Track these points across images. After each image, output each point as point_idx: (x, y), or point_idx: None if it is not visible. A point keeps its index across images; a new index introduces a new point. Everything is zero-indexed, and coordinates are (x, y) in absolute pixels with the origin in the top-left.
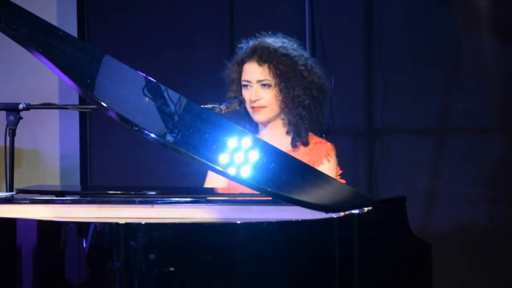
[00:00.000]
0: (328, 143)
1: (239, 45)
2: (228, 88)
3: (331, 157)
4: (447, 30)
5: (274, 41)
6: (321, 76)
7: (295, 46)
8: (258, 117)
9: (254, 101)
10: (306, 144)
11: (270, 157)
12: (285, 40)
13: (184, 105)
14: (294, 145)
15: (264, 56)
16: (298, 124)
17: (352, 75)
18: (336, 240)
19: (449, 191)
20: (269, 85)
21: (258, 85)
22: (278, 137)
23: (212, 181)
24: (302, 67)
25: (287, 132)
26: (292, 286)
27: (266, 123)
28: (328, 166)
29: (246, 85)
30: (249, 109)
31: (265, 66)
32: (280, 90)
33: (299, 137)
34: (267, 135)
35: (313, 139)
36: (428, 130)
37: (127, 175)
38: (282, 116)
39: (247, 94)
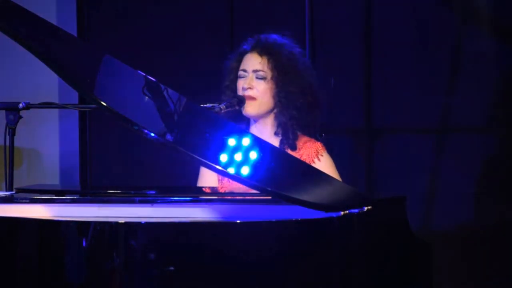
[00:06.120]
0: (318, 142)
1: (243, 41)
2: (226, 78)
3: (322, 155)
4: (447, 30)
5: (279, 38)
6: (317, 85)
7: (298, 48)
8: (247, 109)
9: (246, 89)
10: (293, 148)
11: (270, 156)
12: (290, 40)
13: (184, 105)
14: (282, 147)
15: (266, 47)
16: (287, 126)
17: (352, 74)
18: (336, 240)
19: (449, 191)
20: (264, 78)
21: (253, 75)
22: (267, 137)
23: (205, 179)
24: (303, 67)
25: (275, 133)
26: (292, 285)
27: (255, 119)
28: (320, 165)
29: (241, 75)
30: None
31: (265, 58)
32: (276, 84)
33: (286, 140)
34: (257, 134)
35: (302, 138)
36: (428, 130)
37: (127, 175)
38: (273, 115)
39: (240, 84)
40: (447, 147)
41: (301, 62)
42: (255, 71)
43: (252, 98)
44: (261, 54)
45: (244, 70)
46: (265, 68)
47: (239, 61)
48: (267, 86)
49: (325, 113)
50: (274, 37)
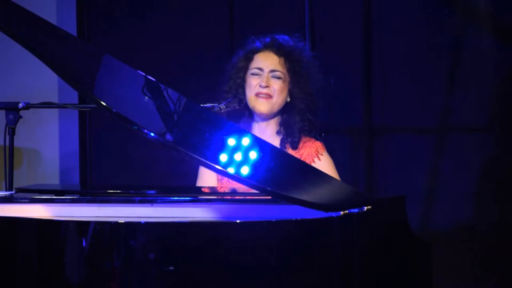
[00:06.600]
0: (317, 141)
1: (249, 38)
2: (232, 75)
3: (322, 155)
4: (447, 30)
5: (293, 39)
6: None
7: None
8: (261, 106)
9: (264, 87)
10: (295, 147)
11: (270, 156)
12: (297, 40)
13: (184, 104)
14: (282, 146)
15: (283, 48)
16: (295, 128)
17: (352, 74)
18: (336, 239)
19: (449, 190)
20: (279, 78)
21: (269, 74)
22: (268, 136)
23: (204, 179)
24: (315, 71)
25: (277, 132)
26: (292, 285)
27: (264, 118)
28: (320, 164)
29: (255, 73)
30: (252, 98)
31: (282, 59)
32: (292, 85)
33: (290, 138)
34: (259, 133)
35: (302, 138)
36: (428, 130)
37: (127, 174)
38: (279, 115)
39: (255, 81)
40: (447, 147)
41: (313, 65)
42: (272, 70)
43: (270, 97)
44: (278, 54)
45: (260, 69)
46: (282, 69)
47: (249, 59)
48: (283, 85)
49: (324, 112)
50: (287, 38)
